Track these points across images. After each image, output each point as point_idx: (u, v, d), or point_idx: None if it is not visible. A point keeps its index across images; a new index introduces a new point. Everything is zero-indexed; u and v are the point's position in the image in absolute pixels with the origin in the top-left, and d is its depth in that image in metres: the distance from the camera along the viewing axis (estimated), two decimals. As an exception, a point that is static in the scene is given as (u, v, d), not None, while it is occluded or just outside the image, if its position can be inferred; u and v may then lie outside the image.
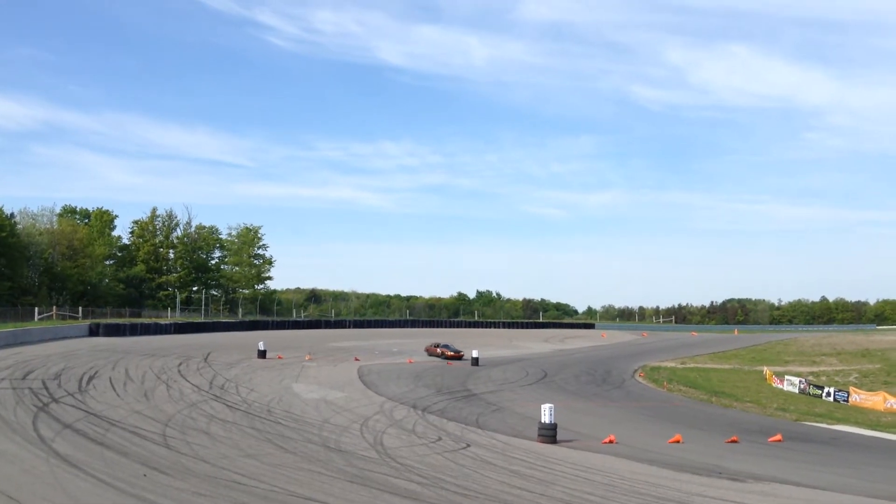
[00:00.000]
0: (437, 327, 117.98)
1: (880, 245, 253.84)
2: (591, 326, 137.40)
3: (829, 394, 42.80)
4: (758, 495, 17.73)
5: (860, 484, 19.94)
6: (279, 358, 52.18)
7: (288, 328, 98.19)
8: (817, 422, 34.51)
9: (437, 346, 61.77)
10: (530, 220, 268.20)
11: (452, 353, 58.79)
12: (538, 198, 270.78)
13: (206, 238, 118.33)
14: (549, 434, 25.03)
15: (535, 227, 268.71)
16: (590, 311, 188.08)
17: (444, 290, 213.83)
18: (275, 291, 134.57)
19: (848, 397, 41.31)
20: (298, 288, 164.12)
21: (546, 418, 25.28)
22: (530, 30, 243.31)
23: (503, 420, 30.49)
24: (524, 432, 26.86)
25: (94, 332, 66.92)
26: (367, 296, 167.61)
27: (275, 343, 61.37)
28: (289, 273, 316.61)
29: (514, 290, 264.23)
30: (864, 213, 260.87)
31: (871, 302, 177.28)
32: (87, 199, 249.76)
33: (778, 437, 28.44)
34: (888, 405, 38.25)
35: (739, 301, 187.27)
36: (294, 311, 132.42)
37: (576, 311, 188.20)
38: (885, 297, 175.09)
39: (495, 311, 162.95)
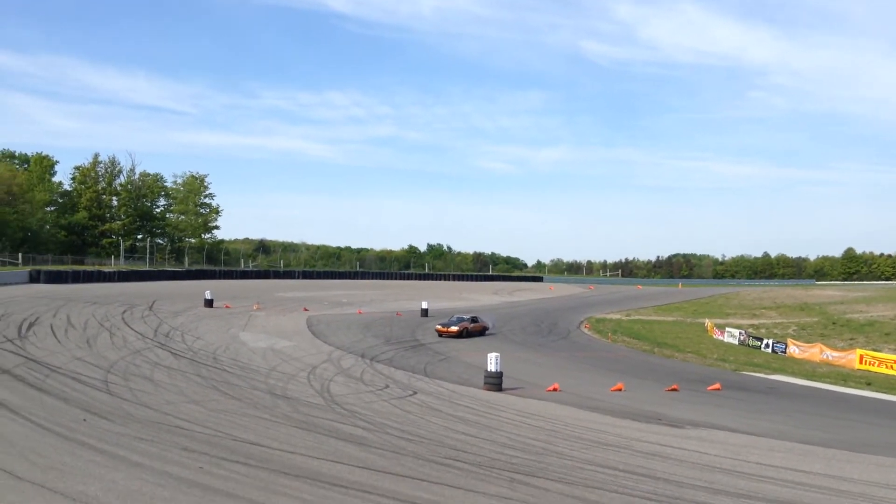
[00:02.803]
0: (388, 279, 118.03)
1: (820, 203, 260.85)
2: (539, 279, 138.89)
3: (767, 345, 44.06)
4: (695, 440, 18.22)
5: (794, 430, 20.62)
6: (226, 307, 51.70)
7: (235, 278, 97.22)
8: (755, 372, 35.54)
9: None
10: (480, 174, 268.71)
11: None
12: (488, 152, 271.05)
13: (150, 186, 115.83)
14: (495, 382, 25.31)
15: (485, 182, 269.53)
16: (539, 265, 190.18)
17: (394, 242, 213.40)
18: (222, 241, 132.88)
19: (786, 349, 42.58)
20: (247, 238, 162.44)
21: (492, 367, 25.54)
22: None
23: (450, 369, 30.74)
24: (470, 380, 27.13)
25: (34, 278, 65.45)
26: (318, 247, 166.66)
27: (222, 292, 60.74)
28: (237, 223, 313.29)
29: (465, 243, 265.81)
30: (804, 172, 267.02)
31: (811, 258, 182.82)
32: (26, 144, 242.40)
33: (717, 385, 29.22)
34: (824, 356, 39.55)
35: (684, 256, 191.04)
36: (242, 261, 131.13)
37: (525, 265, 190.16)
38: (825, 254, 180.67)
39: (446, 264, 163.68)
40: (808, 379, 33.80)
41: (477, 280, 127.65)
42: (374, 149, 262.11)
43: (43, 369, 23.12)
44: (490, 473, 13.72)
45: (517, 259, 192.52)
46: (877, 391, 30.72)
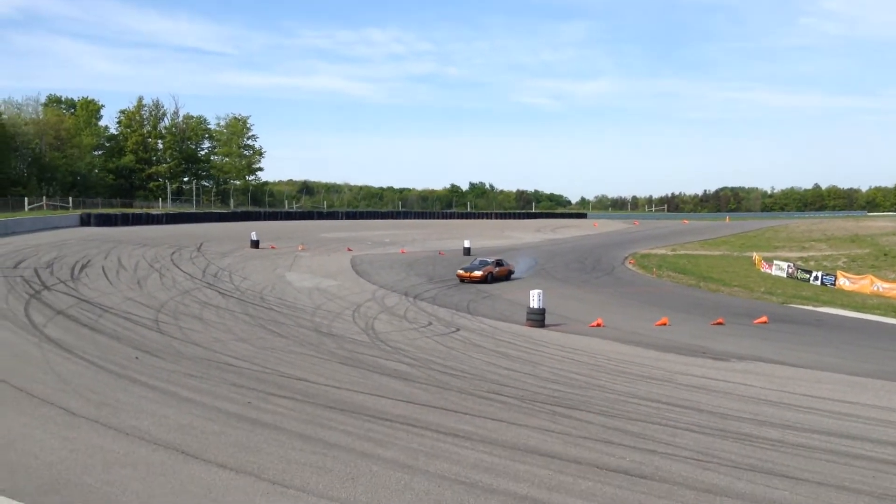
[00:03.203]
0: (430, 219, 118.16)
1: (873, 132, 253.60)
2: (583, 216, 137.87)
3: (816, 278, 43.28)
4: (740, 373, 18.10)
5: (842, 362, 20.34)
6: (272, 248, 52.35)
7: (280, 219, 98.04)
8: (803, 304, 34.99)
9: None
10: (522, 110, 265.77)
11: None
12: (529, 87, 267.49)
13: (194, 128, 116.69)
14: (538, 318, 25.32)
15: (527, 118, 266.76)
16: (583, 202, 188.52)
17: (436, 182, 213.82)
18: (266, 183, 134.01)
19: (835, 281, 41.80)
20: (290, 180, 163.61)
21: (534, 303, 25.53)
22: None
23: (493, 306, 30.80)
24: (513, 317, 27.18)
25: (85, 221, 66.85)
26: (360, 188, 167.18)
27: (267, 233, 61.44)
28: (280, 165, 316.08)
29: (508, 181, 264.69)
30: (856, 100, 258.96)
31: (864, 189, 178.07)
32: (71, 88, 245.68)
33: (763, 318, 28.85)
34: (875, 288, 38.75)
35: (732, 189, 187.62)
36: (286, 202, 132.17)
37: (569, 202, 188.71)
38: (878, 185, 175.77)
39: (488, 203, 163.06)
40: (858, 311, 33.18)
41: (519, 218, 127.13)
42: (414, 86, 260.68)
43: (95, 310, 23.76)
44: (532, 407, 13.82)
45: (560, 196, 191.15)
46: (929, 323, 30.09)
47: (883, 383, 17.42)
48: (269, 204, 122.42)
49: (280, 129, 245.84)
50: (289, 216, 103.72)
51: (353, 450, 10.72)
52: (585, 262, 53.22)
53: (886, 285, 38.55)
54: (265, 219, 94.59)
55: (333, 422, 12.18)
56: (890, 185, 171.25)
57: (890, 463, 11.14)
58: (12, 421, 11.65)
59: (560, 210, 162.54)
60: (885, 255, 52.51)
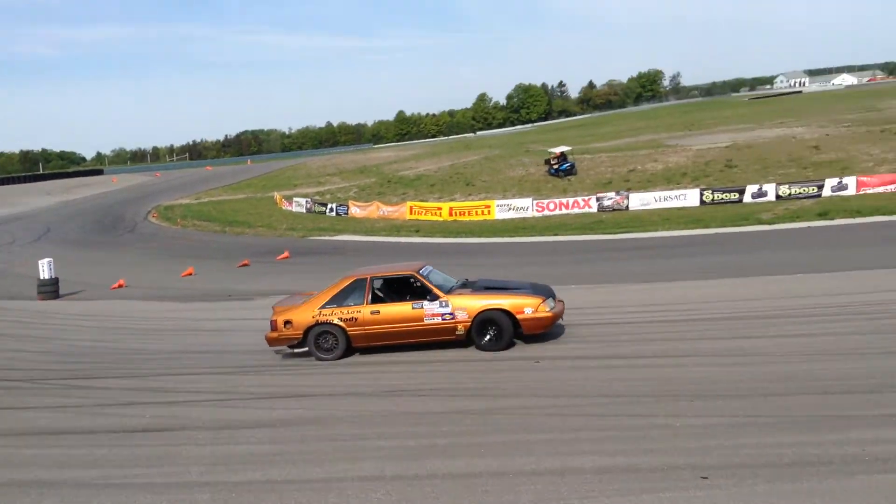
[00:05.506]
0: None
1: (374, 70, 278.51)
2: (99, 173, 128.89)
3: (331, 209, 46.75)
4: (261, 309, 18.82)
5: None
6: None
7: None
8: (322, 235, 37.65)
9: None
10: (18, 60, 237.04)
11: None
12: (27, 34, 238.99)
13: None
14: (50, 290, 23.42)
15: (26, 69, 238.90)
16: (99, 157, 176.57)
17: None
18: None
19: (348, 210, 45.60)
20: None
21: (45, 274, 23.54)
22: None
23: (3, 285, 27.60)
24: (23, 293, 24.72)
25: None
26: None
27: None
28: None
29: (9, 142, 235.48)
30: (358, 41, 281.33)
31: (369, 124, 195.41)
32: None
33: (286, 254, 30.40)
34: (381, 213, 43.18)
35: (253, 132, 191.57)
36: None
37: (84, 159, 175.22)
38: (381, 119, 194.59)
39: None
40: (368, 234, 36.78)
41: (25, 182, 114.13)
42: None
43: None
44: (44, 386, 12.85)
45: (73, 153, 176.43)
46: (424, 237, 34.62)
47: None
48: None
49: None
50: None
51: None
52: (105, 221, 50.26)
53: (389, 209, 43.26)
54: None
55: None
56: (391, 118, 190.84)
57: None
58: None
59: (74, 168, 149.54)
60: (389, 182, 58.59)
